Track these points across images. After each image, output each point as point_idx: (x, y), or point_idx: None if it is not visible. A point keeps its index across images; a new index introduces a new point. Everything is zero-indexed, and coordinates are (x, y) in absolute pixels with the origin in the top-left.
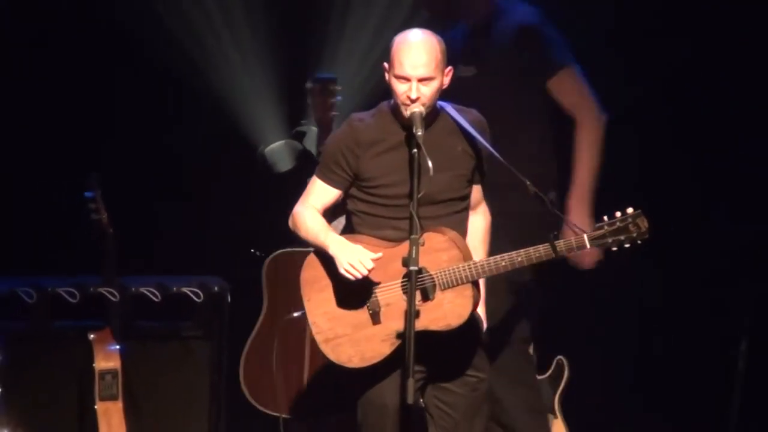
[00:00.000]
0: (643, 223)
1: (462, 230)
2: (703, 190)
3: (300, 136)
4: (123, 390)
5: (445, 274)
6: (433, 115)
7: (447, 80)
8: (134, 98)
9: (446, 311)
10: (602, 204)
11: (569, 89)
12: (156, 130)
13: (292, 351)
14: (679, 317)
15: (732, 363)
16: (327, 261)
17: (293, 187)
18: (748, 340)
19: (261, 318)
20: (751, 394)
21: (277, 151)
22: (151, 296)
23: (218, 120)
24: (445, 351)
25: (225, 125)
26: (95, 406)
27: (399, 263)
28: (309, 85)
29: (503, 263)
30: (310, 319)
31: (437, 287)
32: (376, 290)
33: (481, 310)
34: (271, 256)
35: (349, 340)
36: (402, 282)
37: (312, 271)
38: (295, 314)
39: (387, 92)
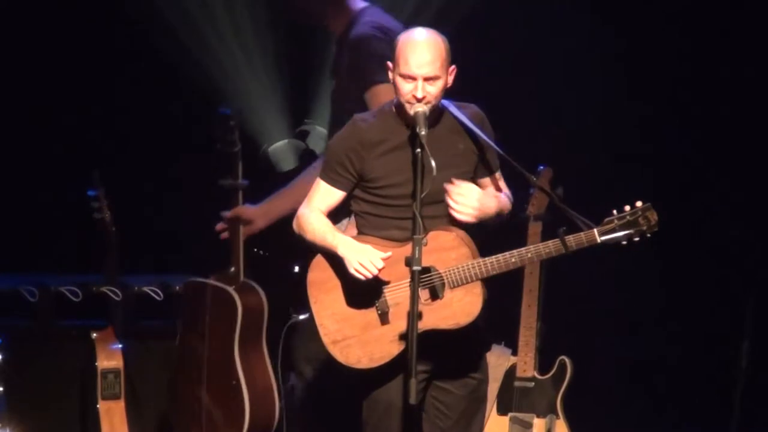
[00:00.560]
0: (653, 216)
1: (466, 228)
2: (706, 190)
3: (303, 136)
4: (125, 389)
5: (454, 273)
6: (436, 114)
7: (451, 79)
8: (137, 96)
9: (455, 310)
10: (609, 200)
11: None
12: (159, 128)
13: (189, 372)
14: (681, 317)
15: (734, 363)
16: (334, 262)
17: None
18: (751, 340)
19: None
20: (753, 394)
21: (281, 150)
22: (154, 295)
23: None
24: (450, 351)
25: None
26: (97, 405)
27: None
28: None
29: (513, 260)
30: (318, 321)
31: (446, 285)
32: (385, 290)
33: None
34: (186, 282)
35: (358, 341)
36: (410, 282)
37: (319, 273)
38: (301, 317)
39: None
